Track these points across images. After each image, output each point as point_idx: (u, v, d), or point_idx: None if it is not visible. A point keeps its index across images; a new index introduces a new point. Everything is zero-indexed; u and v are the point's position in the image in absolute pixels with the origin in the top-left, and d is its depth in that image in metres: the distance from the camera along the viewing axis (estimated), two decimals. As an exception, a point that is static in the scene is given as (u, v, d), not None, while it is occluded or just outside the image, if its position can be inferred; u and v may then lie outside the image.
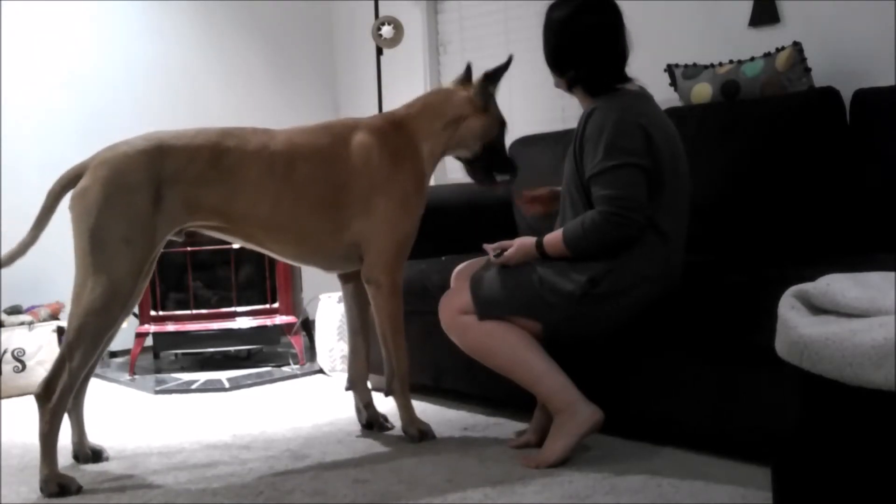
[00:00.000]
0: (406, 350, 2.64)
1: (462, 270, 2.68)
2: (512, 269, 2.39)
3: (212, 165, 2.42)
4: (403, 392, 2.65)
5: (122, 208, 2.32)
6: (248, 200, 2.46)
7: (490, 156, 2.71)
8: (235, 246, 3.91)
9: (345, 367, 3.66)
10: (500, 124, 2.72)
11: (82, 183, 2.35)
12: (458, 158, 2.77)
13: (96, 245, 2.30)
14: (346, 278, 2.79)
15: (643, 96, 2.39)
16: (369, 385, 2.89)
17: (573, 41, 2.39)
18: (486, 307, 2.37)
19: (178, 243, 3.43)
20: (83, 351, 2.30)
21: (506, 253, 2.40)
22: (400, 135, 2.63)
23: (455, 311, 2.42)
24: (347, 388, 2.86)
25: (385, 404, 2.83)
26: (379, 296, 2.59)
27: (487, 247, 2.44)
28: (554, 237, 2.34)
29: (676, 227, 2.34)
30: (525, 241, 2.39)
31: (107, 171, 2.34)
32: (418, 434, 2.62)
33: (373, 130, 2.61)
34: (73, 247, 2.34)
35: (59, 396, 2.30)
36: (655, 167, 2.27)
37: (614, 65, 2.39)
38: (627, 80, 2.40)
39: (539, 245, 2.35)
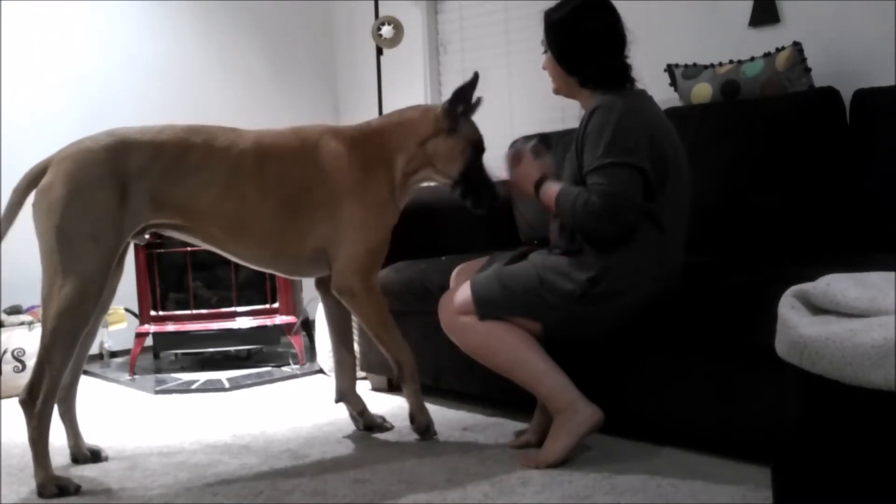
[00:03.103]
0: (404, 342, 2.61)
1: (462, 270, 2.67)
2: (512, 269, 2.39)
3: (177, 162, 2.40)
4: (413, 379, 2.62)
5: (87, 204, 2.30)
6: (213, 198, 2.43)
7: (466, 182, 2.61)
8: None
9: (345, 367, 3.66)
10: (472, 147, 2.62)
11: (45, 179, 2.33)
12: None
13: (63, 243, 2.27)
14: (325, 290, 2.75)
15: (645, 96, 2.40)
16: (370, 387, 2.89)
17: (584, 39, 2.38)
18: (486, 307, 2.37)
19: (176, 243, 3.43)
20: (60, 352, 2.28)
21: (515, 170, 2.43)
22: (373, 144, 2.60)
23: (455, 311, 2.42)
24: (337, 401, 2.83)
25: (383, 405, 2.83)
26: (355, 302, 2.56)
27: (518, 145, 2.46)
28: (550, 193, 2.34)
29: (677, 226, 2.34)
30: (530, 175, 2.40)
31: (69, 167, 2.32)
32: (425, 424, 2.61)
33: (344, 137, 2.59)
34: (39, 245, 2.31)
35: (44, 400, 2.29)
36: (658, 167, 2.27)
37: (622, 61, 2.39)
38: (632, 79, 2.41)
39: (537, 188, 2.38)
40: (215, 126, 2.54)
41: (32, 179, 2.37)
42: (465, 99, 2.60)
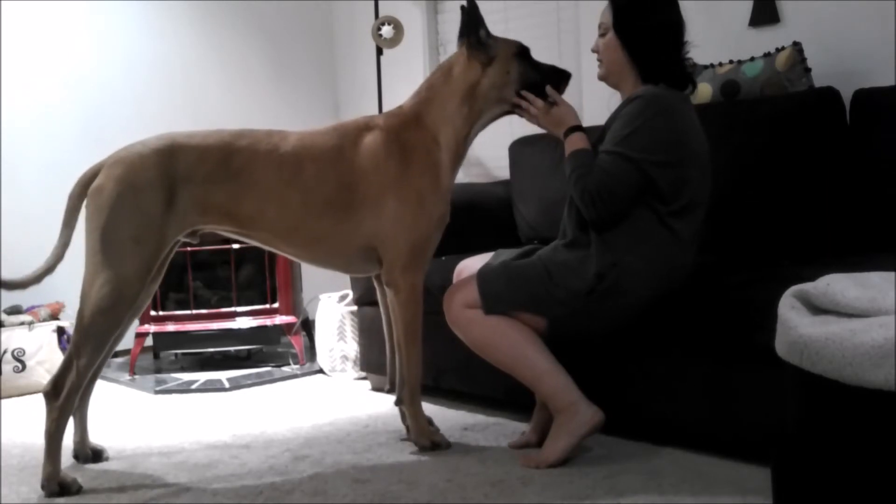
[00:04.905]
0: (420, 361, 2.55)
1: (466, 266, 2.68)
2: (519, 263, 2.40)
3: (222, 165, 2.41)
4: (413, 403, 2.56)
5: (134, 207, 2.32)
6: (256, 202, 2.43)
7: (534, 88, 2.48)
8: (235, 246, 3.92)
9: (344, 367, 3.66)
10: (516, 60, 2.50)
11: (97, 181, 2.36)
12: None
13: (106, 243, 2.30)
14: (380, 283, 2.67)
15: (687, 99, 2.42)
16: (370, 387, 2.88)
17: (657, 27, 2.38)
18: (492, 301, 2.36)
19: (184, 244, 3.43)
20: (91, 349, 2.31)
21: (547, 115, 2.44)
22: (410, 130, 2.52)
23: (461, 304, 2.41)
24: (397, 403, 2.66)
25: (383, 406, 2.83)
26: (396, 301, 2.52)
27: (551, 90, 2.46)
28: (573, 145, 2.37)
29: (690, 231, 2.34)
30: (566, 119, 2.42)
31: (120, 170, 2.35)
32: (430, 445, 2.53)
33: (381, 129, 2.52)
34: (84, 244, 2.35)
35: (67, 395, 2.31)
36: (678, 171, 2.28)
37: (684, 61, 2.41)
38: (689, 84, 2.43)
39: (566, 134, 2.40)
40: (261, 130, 2.53)
41: (85, 183, 2.40)
42: (478, 22, 2.49)
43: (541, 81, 2.49)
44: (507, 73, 2.50)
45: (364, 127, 2.55)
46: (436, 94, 2.55)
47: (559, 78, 2.52)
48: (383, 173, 2.47)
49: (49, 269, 2.43)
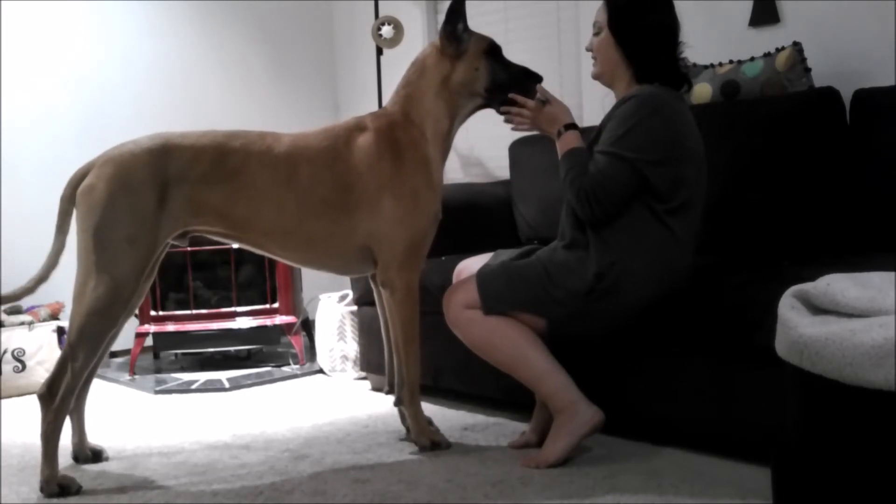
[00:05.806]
0: (418, 360, 2.55)
1: (465, 266, 2.68)
2: (519, 264, 2.40)
3: (216, 166, 2.40)
4: (413, 402, 2.56)
5: (127, 207, 2.31)
6: (251, 203, 2.42)
7: (497, 92, 2.51)
8: (235, 246, 3.90)
9: (344, 367, 3.66)
10: (486, 55, 2.53)
11: (88, 180, 2.35)
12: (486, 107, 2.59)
13: (99, 243, 2.30)
14: (376, 283, 2.68)
15: (682, 98, 2.42)
16: (370, 387, 2.87)
17: (652, 27, 2.38)
18: (492, 302, 2.36)
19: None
20: (85, 351, 2.30)
21: (540, 114, 2.44)
22: (400, 129, 2.53)
23: (460, 305, 2.41)
24: (396, 404, 2.67)
25: (382, 406, 2.82)
26: (392, 300, 2.52)
27: (540, 88, 2.47)
28: (567, 144, 2.37)
29: (687, 230, 2.34)
30: (559, 117, 2.42)
31: (112, 169, 2.34)
32: (430, 444, 2.53)
33: (372, 130, 2.53)
34: (77, 244, 2.34)
35: (63, 396, 2.30)
36: (675, 170, 2.29)
37: (678, 62, 2.41)
38: (684, 83, 2.43)
39: (559, 133, 2.40)
40: (254, 131, 2.52)
41: (75, 185, 2.39)
42: (459, 16, 2.51)
43: (508, 82, 2.50)
44: (475, 69, 2.52)
45: (355, 128, 2.55)
46: (414, 89, 2.56)
47: (528, 79, 2.51)
48: (378, 173, 2.48)
49: (43, 277, 2.42)
